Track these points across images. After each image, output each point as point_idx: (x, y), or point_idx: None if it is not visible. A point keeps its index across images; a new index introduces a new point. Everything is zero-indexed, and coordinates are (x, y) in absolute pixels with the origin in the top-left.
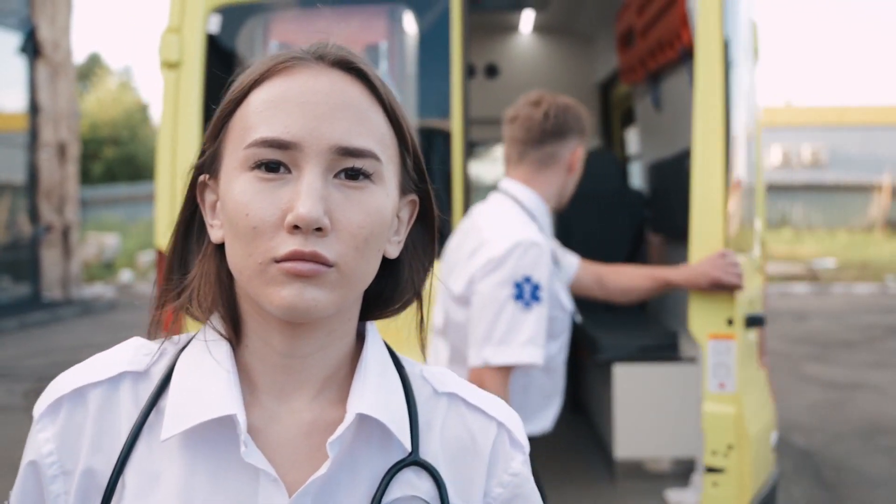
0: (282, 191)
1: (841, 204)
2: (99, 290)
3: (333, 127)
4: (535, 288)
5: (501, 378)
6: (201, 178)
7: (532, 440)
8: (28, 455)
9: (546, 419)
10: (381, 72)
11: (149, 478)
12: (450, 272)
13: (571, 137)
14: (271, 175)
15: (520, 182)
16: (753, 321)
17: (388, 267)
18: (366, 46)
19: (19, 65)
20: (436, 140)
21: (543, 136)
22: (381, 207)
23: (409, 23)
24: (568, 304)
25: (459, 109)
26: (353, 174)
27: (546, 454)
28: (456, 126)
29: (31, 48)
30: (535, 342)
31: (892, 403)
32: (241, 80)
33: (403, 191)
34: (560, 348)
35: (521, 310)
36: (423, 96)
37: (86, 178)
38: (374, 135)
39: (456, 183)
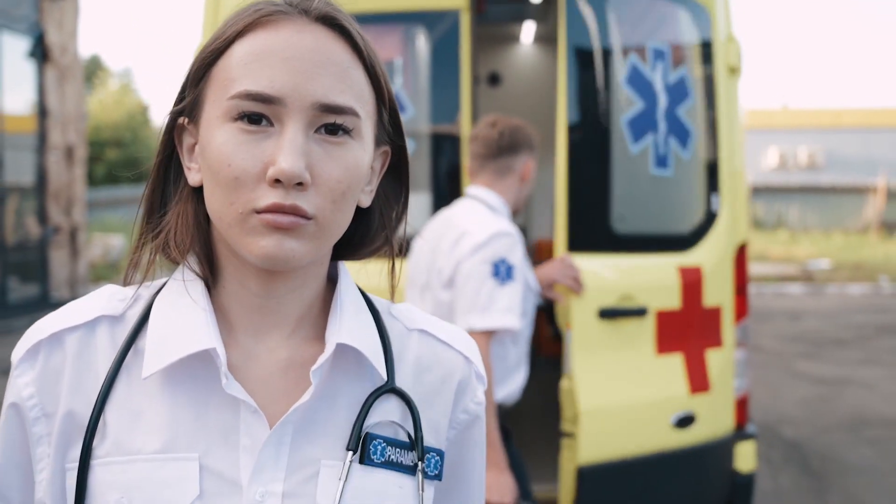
0: (264, 143)
1: (836, 206)
2: None
3: (316, 84)
4: (510, 268)
5: (484, 342)
6: (179, 120)
7: (504, 408)
8: (9, 398)
9: (514, 385)
10: (397, 85)
11: (130, 415)
12: (432, 263)
13: (522, 152)
14: (254, 127)
15: (484, 187)
16: (609, 313)
17: (360, 214)
18: (386, 62)
19: (28, 69)
20: (446, 143)
21: (500, 151)
22: (359, 162)
23: (422, 39)
24: (534, 285)
25: (468, 116)
26: (334, 129)
27: (542, 443)
28: (465, 131)
29: (40, 53)
30: (512, 310)
31: (879, 398)
32: (224, 29)
33: (377, 142)
34: (527, 324)
35: (497, 285)
36: (434, 105)
37: (88, 180)
38: (355, 91)
39: (466, 180)
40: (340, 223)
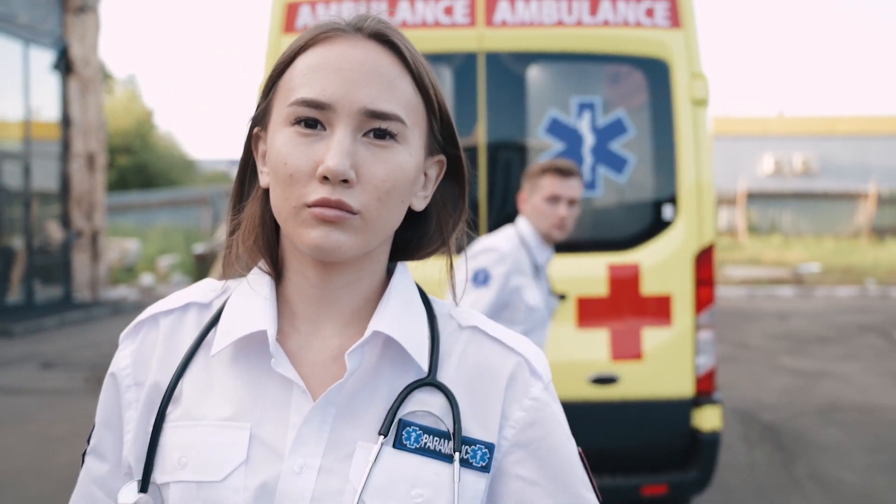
0: (316, 145)
1: (829, 211)
2: (123, 292)
3: (364, 92)
4: (486, 277)
5: None
6: (255, 130)
7: None
8: (111, 368)
9: None
10: None
11: (201, 386)
12: None
13: (522, 186)
14: (309, 131)
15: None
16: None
17: (418, 218)
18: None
19: (53, 80)
20: (465, 155)
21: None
22: (404, 164)
23: (446, 74)
24: (531, 301)
25: (483, 132)
26: (380, 134)
27: None
28: (481, 143)
29: (64, 65)
30: (474, 308)
31: (853, 388)
32: (290, 46)
33: (431, 151)
34: (523, 334)
35: (472, 288)
36: (457, 125)
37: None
38: (401, 100)
39: (483, 187)
40: (387, 220)
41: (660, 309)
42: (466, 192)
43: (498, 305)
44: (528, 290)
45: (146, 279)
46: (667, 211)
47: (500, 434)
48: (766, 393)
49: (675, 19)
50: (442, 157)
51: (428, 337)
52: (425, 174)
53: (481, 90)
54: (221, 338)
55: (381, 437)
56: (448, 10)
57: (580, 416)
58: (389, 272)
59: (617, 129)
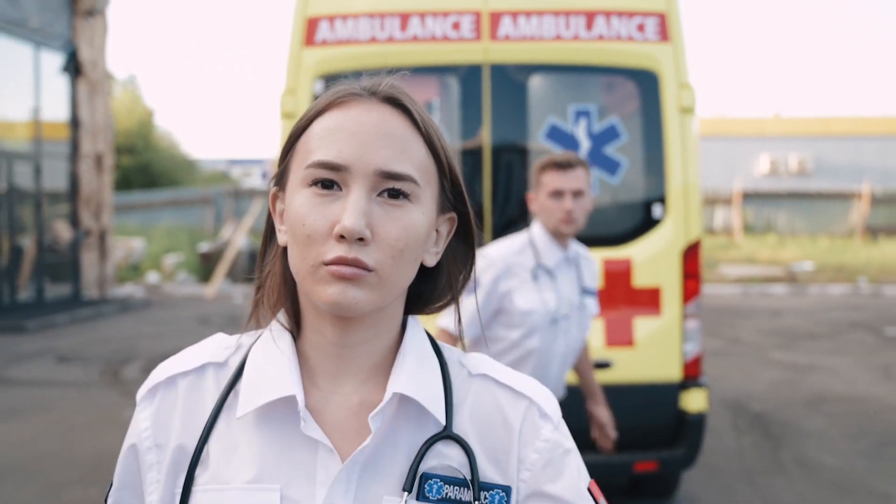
0: (333, 205)
1: (824, 211)
2: (129, 289)
3: (378, 154)
4: (475, 284)
5: (443, 338)
6: (273, 190)
7: None
8: (129, 438)
9: None
10: (435, 118)
11: (228, 449)
12: None
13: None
14: (325, 191)
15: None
16: None
17: (429, 272)
18: (425, 102)
19: (62, 83)
20: (469, 158)
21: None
22: (417, 223)
23: (454, 84)
24: (523, 305)
25: (488, 136)
26: (394, 194)
27: None
28: (486, 146)
29: (73, 67)
30: (464, 313)
31: (840, 381)
32: (308, 110)
33: (442, 209)
34: (523, 337)
35: (464, 295)
36: (463, 130)
37: None
38: (414, 161)
39: (487, 186)
40: (401, 277)
41: (650, 300)
42: (475, 247)
43: (490, 311)
44: (520, 293)
45: (152, 277)
46: (656, 210)
47: (518, 477)
48: (756, 384)
49: (664, 34)
50: (453, 215)
51: (442, 389)
52: (437, 231)
53: (486, 98)
54: (247, 400)
55: (406, 493)
56: (456, 26)
57: (578, 398)
58: (403, 324)
59: (611, 134)
